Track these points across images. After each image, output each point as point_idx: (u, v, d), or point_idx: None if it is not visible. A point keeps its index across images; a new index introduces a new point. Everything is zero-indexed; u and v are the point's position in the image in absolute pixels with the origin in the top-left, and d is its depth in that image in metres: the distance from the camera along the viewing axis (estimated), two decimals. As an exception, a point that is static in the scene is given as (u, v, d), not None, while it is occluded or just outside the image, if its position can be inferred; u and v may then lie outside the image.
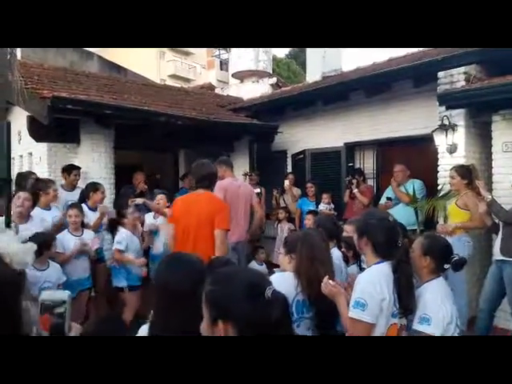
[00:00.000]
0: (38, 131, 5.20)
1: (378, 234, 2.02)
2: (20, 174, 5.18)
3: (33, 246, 2.50)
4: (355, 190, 5.86)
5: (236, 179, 4.69)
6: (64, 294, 1.19)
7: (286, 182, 6.72)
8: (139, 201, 4.70)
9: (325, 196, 6.18)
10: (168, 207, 4.58)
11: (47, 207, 4.33)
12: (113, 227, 4.38)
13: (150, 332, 1.56)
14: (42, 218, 4.07)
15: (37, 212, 4.11)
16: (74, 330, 1.19)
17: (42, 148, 6.13)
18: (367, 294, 1.89)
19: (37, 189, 4.30)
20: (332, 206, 6.17)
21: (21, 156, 7.13)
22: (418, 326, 2.07)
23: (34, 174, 5.12)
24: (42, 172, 5.96)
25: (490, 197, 3.78)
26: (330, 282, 2.13)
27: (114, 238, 4.28)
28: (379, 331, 1.89)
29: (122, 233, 4.26)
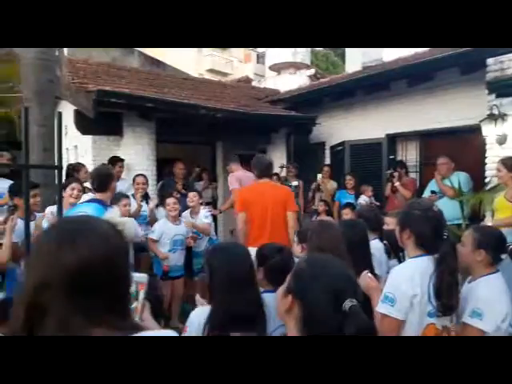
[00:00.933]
0: (84, 124, 5.40)
1: (422, 226, 1.87)
2: (70, 165, 5.38)
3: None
4: (397, 184, 5.71)
5: (246, 172, 5.23)
6: (142, 276, 1.28)
7: (319, 176, 6.65)
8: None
9: (366, 188, 6.06)
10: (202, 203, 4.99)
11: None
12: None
13: (212, 316, 1.75)
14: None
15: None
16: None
17: (86, 141, 6.36)
18: (397, 289, 1.78)
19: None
20: (372, 199, 6.04)
21: (67, 149, 7.42)
22: (468, 320, 1.96)
23: (83, 165, 5.30)
24: (87, 164, 6.19)
25: None
26: (369, 275, 2.06)
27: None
28: (412, 330, 1.77)
29: (159, 222, 4.40)
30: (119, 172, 5.22)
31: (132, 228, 3.38)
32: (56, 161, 2.66)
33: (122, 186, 4.99)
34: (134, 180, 4.88)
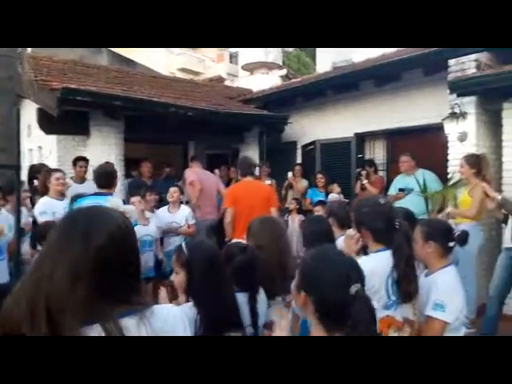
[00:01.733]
0: (48, 124, 5.25)
1: (375, 221, 1.94)
2: (33, 167, 5.24)
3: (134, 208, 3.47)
4: (365, 181, 5.82)
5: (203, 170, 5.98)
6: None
7: (290, 174, 6.71)
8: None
9: (334, 186, 6.16)
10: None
11: (58, 197, 4.20)
12: None
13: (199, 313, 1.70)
14: (50, 208, 3.97)
15: (44, 201, 4.06)
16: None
17: (51, 141, 6.22)
18: None
19: (45, 179, 4.31)
20: (341, 196, 6.13)
21: (30, 150, 7.23)
22: (432, 312, 2.00)
23: (46, 166, 5.16)
24: (52, 165, 6.03)
25: (499, 197, 3.68)
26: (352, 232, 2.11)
27: None
28: None
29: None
30: (81, 172, 5.09)
31: (134, 215, 3.60)
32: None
33: (86, 188, 4.85)
34: None
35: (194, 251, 1.87)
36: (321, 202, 5.39)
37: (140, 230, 4.18)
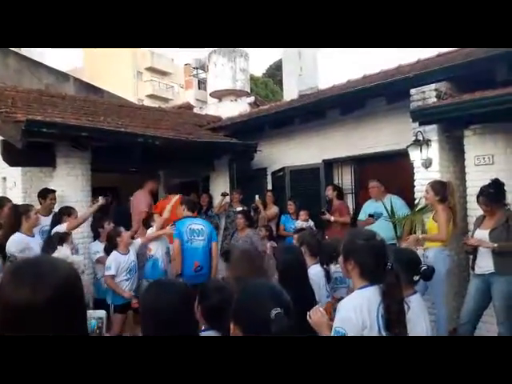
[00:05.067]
0: (12, 155, 5.10)
1: (366, 256, 1.86)
2: None
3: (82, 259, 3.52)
4: (332, 219, 5.90)
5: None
6: (101, 312, 1.34)
7: (256, 198, 6.74)
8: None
9: (302, 213, 6.21)
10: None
11: (31, 233, 4.20)
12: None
13: None
14: (27, 245, 3.95)
15: (20, 238, 4.01)
16: None
17: (16, 172, 6.01)
18: (347, 323, 1.76)
19: (18, 214, 4.18)
20: (311, 222, 6.18)
21: (-6, 181, 6.95)
22: None
23: (9, 200, 4.98)
24: (17, 197, 5.83)
25: (495, 245, 3.69)
26: (321, 309, 2.01)
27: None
28: None
29: (111, 257, 4.34)
30: (51, 205, 4.96)
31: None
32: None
33: (49, 220, 4.72)
34: None
35: (146, 291, 1.87)
36: (300, 230, 5.33)
37: (125, 261, 4.38)
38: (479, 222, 3.96)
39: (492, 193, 3.81)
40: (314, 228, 5.96)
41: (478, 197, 3.91)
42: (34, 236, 4.21)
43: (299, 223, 6.12)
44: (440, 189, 4.29)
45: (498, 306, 3.69)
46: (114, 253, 4.37)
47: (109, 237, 4.49)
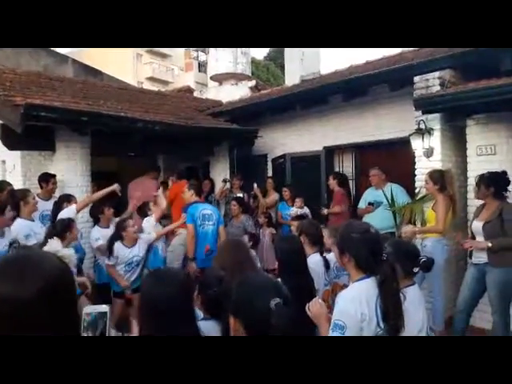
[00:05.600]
0: (12, 139, 5.05)
1: (361, 249, 1.87)
2: None
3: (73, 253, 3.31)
4: (325, 211, 5.90)
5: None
6: (105, 308, 1.30)
7: (255, 185, 6.73)
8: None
9: (297, 200, 6.21)
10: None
11: (30, 218, 4.20)
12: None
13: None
14: (32, 231, 3.95)
15: (25, 224, 4.01)
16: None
17: (15, 156, 5.98)
18: (346, 315, 1.77)
19: (15, 199, 4.16)
20: (305, 209, 6.18)
21: (-7, 164, 6.92)
22: None
23: (9, 183, 4.95)
24: (16, 180, 5.81)
25: (490, 244, 3.63)
26: (320, 301, 2.00)
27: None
28: None
29: (115, 246, 4.33)
30: (53, 189, 4.95)
31: (73, 260, 3.44)
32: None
33: (50, 205, 4.70)
34: None
35: (146, 279, 1.92)
36: (299, 217, 5.32)
37: (128, 254, 4.35)
38: (478, 213, 3.95)
39: (487, 182, 3.75)
40: (310, 215, 5.97)
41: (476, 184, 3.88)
42: (33, 221, 4.21)
43: (294, 210, 6.13)
44: (439, 177, 4.29)
45: (493, 296, 3.71)
46: (118, 243, 4.33)
47: (116, 226, 4.48)
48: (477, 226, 3.83)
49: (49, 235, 3.47)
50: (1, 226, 3.60)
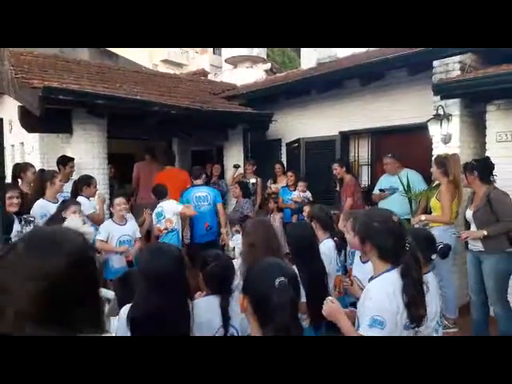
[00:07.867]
0: (30, 122, 5.12)
1: (385, 239, 1.81)
2: (17, 165, 5.09)
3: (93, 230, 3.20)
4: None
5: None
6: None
7: (272, 186, 6.77)
8: None
9: (300, 184, 6.21)
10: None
11: (54, 200, 4.25)
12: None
13: (130, 312, 1.76)
14: (48, 212, 3.99)
15: (43, 204, 4.08)
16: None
17: (33, 138, 6.08)
18: (384, 310, 1.71)
19: (43, 179, 4.25)
20: (308, 194, 6.17)
21: (12, 146, 7.06)
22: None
23: (32, 165, 5.03)
24: (35, 162, 5.92)
25: (485, 233, 3.59)
26: (331, 298, 1.94)
27: None
28: None
29: (104, 223, 4.37)
30: (70, 172, 5.02)
31: (92, 238, 3.48)
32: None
33: (68, 187, 4.76)
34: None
35: (142, 252, 2.09)
36: (309, 203, 5.32)
37: (118, 231, 4.30)
38: (469, 201, 3.90)
39: (471, 167, 3.73)
40: (311, 199, 5.96)
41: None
42: (57, 202, 4.25)
43: (296, 194, 6.12)
44: (442, 162, 4.24)
45: (490, 286, 3.67)
46: (109, 220, 4.41)
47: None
48: (469, 214, 3.80)
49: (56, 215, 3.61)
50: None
